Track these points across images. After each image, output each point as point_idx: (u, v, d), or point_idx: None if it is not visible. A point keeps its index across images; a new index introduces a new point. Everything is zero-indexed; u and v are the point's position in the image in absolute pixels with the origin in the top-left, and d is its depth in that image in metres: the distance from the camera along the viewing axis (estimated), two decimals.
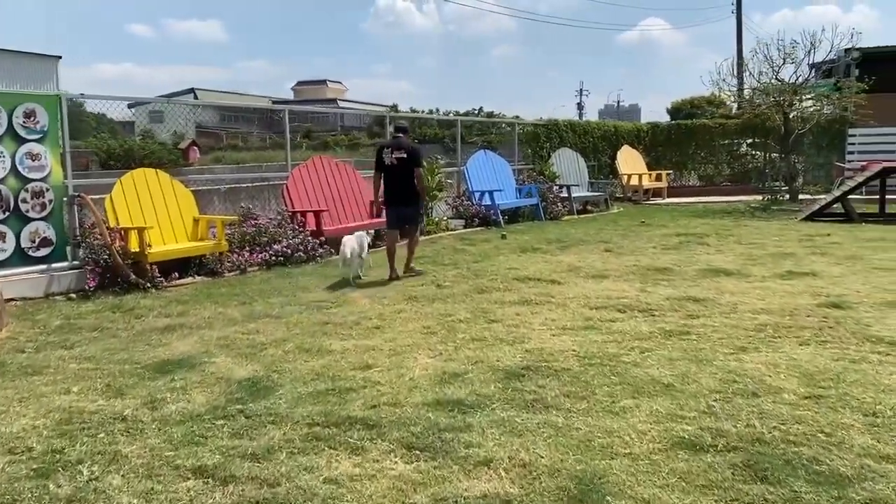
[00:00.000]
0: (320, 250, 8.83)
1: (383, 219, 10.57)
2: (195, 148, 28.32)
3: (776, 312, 5.49)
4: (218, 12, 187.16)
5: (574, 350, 4.52)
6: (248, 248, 8.45)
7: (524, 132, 16.95)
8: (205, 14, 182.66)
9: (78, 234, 7.58)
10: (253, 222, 8.88)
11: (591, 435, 3.19)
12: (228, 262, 8.09)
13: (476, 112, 66.47)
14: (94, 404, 3.79)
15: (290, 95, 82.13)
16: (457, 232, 11.66)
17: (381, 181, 7.87)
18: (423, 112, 66.72)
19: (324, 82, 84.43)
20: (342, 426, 3.36)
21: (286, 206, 9.40)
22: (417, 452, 3.05)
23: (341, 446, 3.15)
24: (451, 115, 62.32)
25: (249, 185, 11.07)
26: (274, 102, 56.50)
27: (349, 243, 7.40)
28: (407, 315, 5.71)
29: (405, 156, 7.67)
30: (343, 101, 77.01)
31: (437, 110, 68.58)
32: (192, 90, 60.16)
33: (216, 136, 48.56)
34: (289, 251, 8.50)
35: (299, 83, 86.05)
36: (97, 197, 7.83)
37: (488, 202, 12.59)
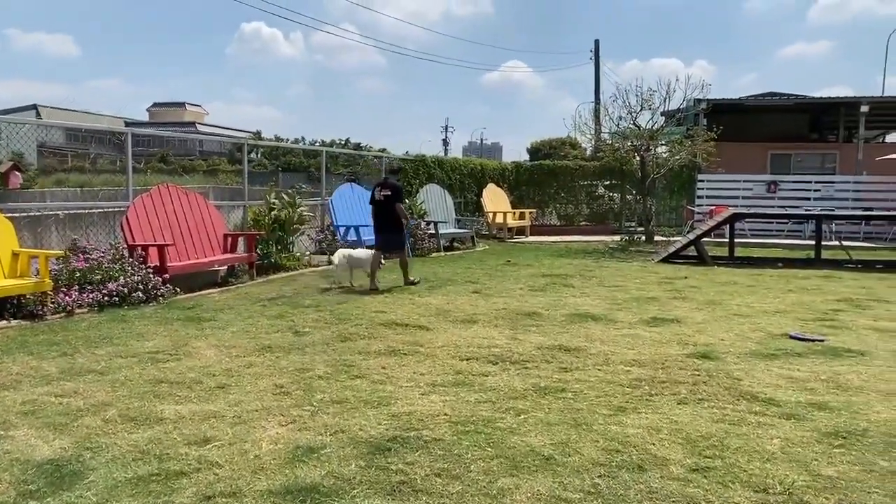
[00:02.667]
0: (163, 289, 7.94)
1: (239, 254, 9.97)
2: (17, 173, 25.84)
3: (648, 364, 5.32)
4: (69, 26, 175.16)
5: (446, 414, 4.07)
6: (77, 287, 7.44)
7: (391, 167, 16.60)
8: (54, 27, 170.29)
9: None
10: (84, 257, 7.87)
11: None
12: (53, 302, 7.07)
13: (343, 142, 65.94)
14: None
15: (146, 117, 78.12)
16: (320, 269, 11.02)
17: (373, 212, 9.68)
18: (288, 140, 65.38)
19: (182, 105, 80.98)
20: None
21: (125, 238, 8.44)
22: None
23: None
24: (318, 144, 61.48)
25: (92, 211, 9.97)
26: (127, 124, 53.34)
27: (337, 255, 9.36)
28: (258, 370, 5.06)
29: (389, 193, 9.39)
30: (203, 125, 74.10)
31: (303, 139, 67.47)
32: (34, 107, 55.72)
33: (61, 156, 45.03)
34: (126, 290, 7.57)
35: (155, 104, 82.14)
36: None
37: (354, 237, 12.07)
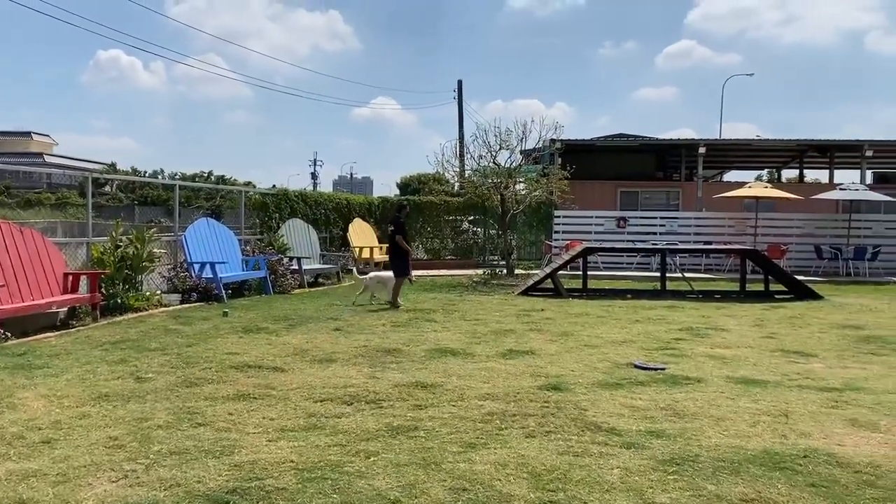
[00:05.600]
0: None
1: (80, 295, 9.54)
2: None
3: (501, 398, 5.41)
4: None
5: (292, 460, 3.93)
6: None
7: (252, 201, 16.20)
8: None
9: None
10: None
11: None
12: None
13: (206, 175, 63.95)
14: None
15: None
16: (171, 308, 10.48)
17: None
18: (145, 173, 62.67)
19: (28, 134, 75.58)
20: None
21: None
22: None
23: None
24: (178, 176, 59.19)
25: None
26: None
27: (368, 275, 11.97)
28: (91, 421, 4.70)
29: (393, 228, 11.69)
30: (51, 156, 69.50)
31: (162, 171, 65.03)
32: None
33: None
34: None
35: None
36: None
37: (210, 275, 11.60)
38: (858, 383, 6.12)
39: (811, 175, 33.95)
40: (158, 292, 11.02)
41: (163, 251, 11.74)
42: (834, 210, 21.07)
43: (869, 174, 24.80)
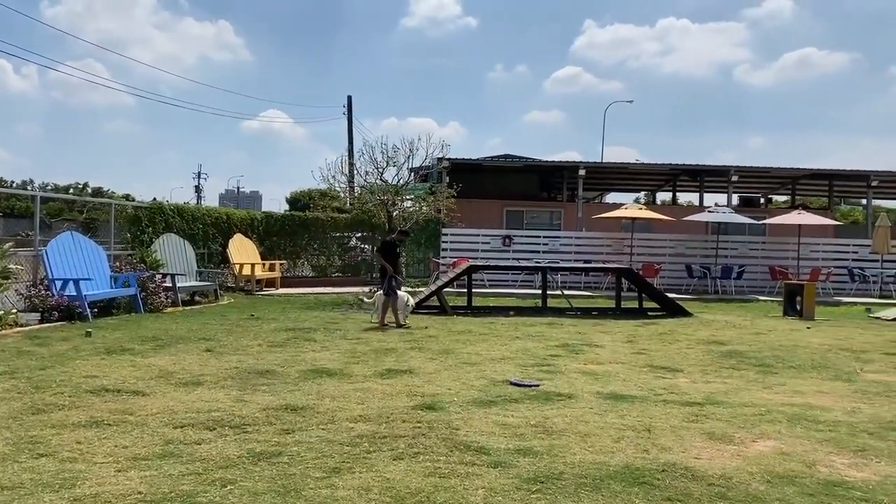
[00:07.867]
0: None
1: None
2: None
3: (374, 419, 5.30)
4: None
5: (140, 492, 3.67)
6: None
7: (124, 214, 15.38)
8: None
9: None
10: None
11: None
12: None
13: (81, 187, 60.81)
14: None
15: None
16: (28, 329, 9.74)
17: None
18: (12, 184, 58.71)
19: None
20: None
21: None
22: None
23: None
24: (51, 188, 55.77)
25: None
26: None
27: (377, 295, 11.79)
28: None
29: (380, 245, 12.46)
30: None
31: (32, 182, 61.37)
32: None
33: None
34: None
35: None
36: None
37: (73, 292, 10.87)
38: (718, 397, 6.41)
39: (684, 198, 35.92)
40: (14, 311, 10.21)
41: (20, 267, 10.90)
42: (703, 231, 22.32)
43: (735, 198, 26.47)
